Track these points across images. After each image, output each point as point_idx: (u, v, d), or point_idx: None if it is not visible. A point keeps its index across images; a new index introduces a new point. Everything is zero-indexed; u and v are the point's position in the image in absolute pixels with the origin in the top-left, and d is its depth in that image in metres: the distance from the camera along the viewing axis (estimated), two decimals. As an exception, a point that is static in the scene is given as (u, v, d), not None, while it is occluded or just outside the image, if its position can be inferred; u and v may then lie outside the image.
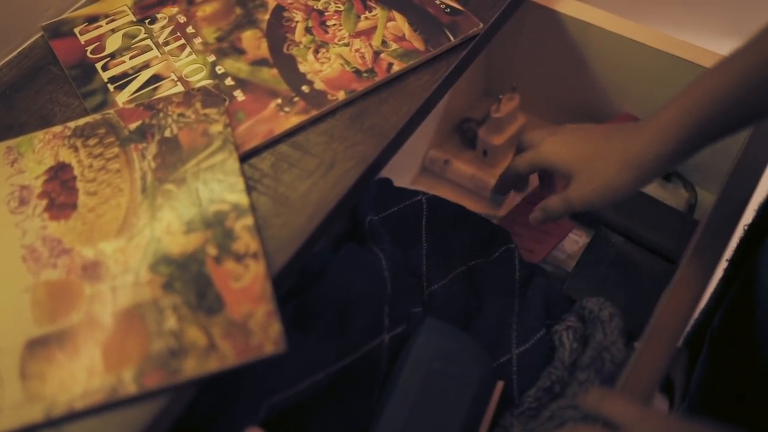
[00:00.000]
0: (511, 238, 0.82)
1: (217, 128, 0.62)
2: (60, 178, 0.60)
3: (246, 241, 0.55)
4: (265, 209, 0.59)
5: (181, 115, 0.63)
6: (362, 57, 0.69)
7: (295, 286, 0.71)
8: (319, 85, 0.66)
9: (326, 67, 0.68)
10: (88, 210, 0.58)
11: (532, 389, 0.67)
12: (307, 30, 0.71)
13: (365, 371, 0.66)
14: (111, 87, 0.67)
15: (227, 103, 0.65)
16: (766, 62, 0.53)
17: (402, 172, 0.95)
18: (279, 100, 0.65)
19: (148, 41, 0.71)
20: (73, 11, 0.75)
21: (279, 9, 0.73)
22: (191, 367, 0.50)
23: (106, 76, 0.68)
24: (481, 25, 0.71)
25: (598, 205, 0.62)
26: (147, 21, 0.72)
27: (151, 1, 0.74)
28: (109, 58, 0.69)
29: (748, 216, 0.75)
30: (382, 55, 0.69)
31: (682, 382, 0.88)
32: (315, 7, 0.73)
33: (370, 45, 0.70)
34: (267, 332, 0.51)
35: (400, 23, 0.71)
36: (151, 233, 0.56)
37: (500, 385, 0.67)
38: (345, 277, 0.70)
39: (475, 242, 0.81)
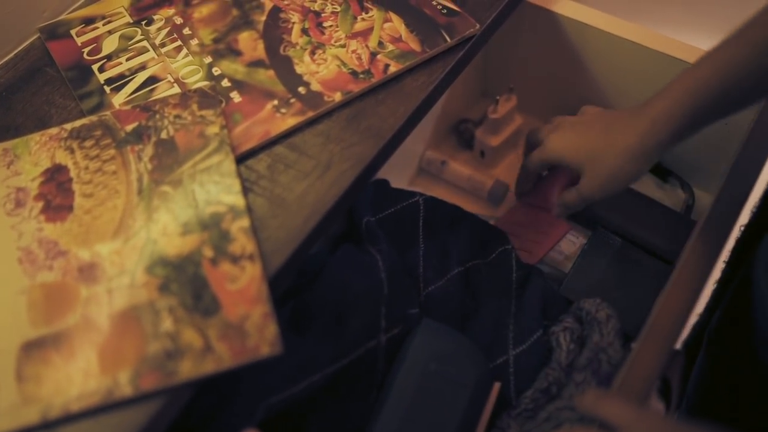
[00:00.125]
0: (508, 239, 0.82)
1: (213, 130, 0.62)
2: (56, 180, 0.60)
3: (242, 242, 0.55)
4: (261, 211, 0.59)
5: (177, 116, 0.63)
6: (359, 58, 0.69)
7: (292, 287, 0.71)
8: (315, 86, 0.66)
9: (323, 68, 0.68)
10: (84, 212, 0.58)
11: (529, 390, 0.67)
12: (304, 31, 0.71)
13: (362, 372, 0.66)
14: (107, 89, 0.67)
15: (224, 104, 0.65)
16: (754, 53, 0.56)
17: (399, 173, 0.95)
18: (275, 102, 0.65)
19: (145, 43, 0.71)
20: (69, 13, 0.75)
21: (275, 10, 0.73)
22: (187, 369, 0.50)
23: (102, 77, 0.68)
24: (478, 26, 0.71)
25: (610, 194, 0.67)
26: (144, 22, 0.72)
27: (147, 2, 0.74)
28: (105, 60, 0.69)
29: (745, 217, 0.75)
30: (379, 57, 0.69)
31: (678, 384, 0.88)
32: (311, 8, 0.73)
33: (367, 46, 0.70)
34: (263, 334, 0.51)
35: (396, 24, 0.71)
36: (147, 235, 0.56)
37: (497, 386, 0.67)
38: (342, 279, 0.70)
39: (472, 243, 0.81)
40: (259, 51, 0.70)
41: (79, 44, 0.71)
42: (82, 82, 0.68)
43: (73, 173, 0.60)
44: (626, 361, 0.62)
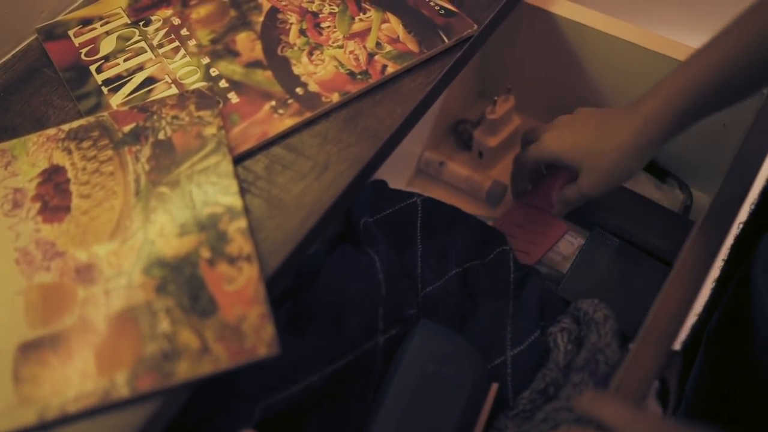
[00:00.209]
0: (506, 240, 0.82)
1: (210, 130, 0.62)
2: (53, 180, 0.60)
3: (239, 243, 0.55)
4: (258, 211, 0.59)
5: (175, 117, 0.63)
6: (356, 59, 0.69)
7: (289, 288, 0.71)
8: (313, 87, 0.66)
9: (320, 69, 0.68)
10: (81, 213, 0.58)
11: (527, 391, 0.67)
12: (302, 32, 0.71)
13: (360, 373, 0.66)
14: (105, 89, 0.67)
15: (221, 105, 0.65)
16: (743, 50, 0.57)
17: (397, 174, 0.95)
18: (273, 102, 0.65)
19: (143, 43, 0.71)
20: (67, 13, 0.75)
21: (273, 11, 0.73)
22: (184, 370, 0.50)
23: (100, 78, 0.68)
24: (476, 26, 0.71)
25: (608, 190, 0.69)
26: (141, 23, 0.72)
27: (145, 3, 0.74)
28: (103, 61, 0.69)
29: (743, 216, 0.75)
30: (377, 57, 0.69)
31: (676, 386, 0.88)
32: (309, 9, 0.73)
33: (365, 47, 0.70)
34: (260, 335, 0.51)
35: (394, 25, 0.71)
36: (144, 236, 0.56)
37: (495, 387, 0.67)
38: (339, 279, 0.70)
39: (470, 244, 0.81)
40: (257, 52, 0.70)
41: (77, 45, 0.71)
42: (79, 82, 0.68)
43: (70, 174, 0.60)
44: (623, 362, 0.62)
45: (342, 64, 0.68)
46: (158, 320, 0.52)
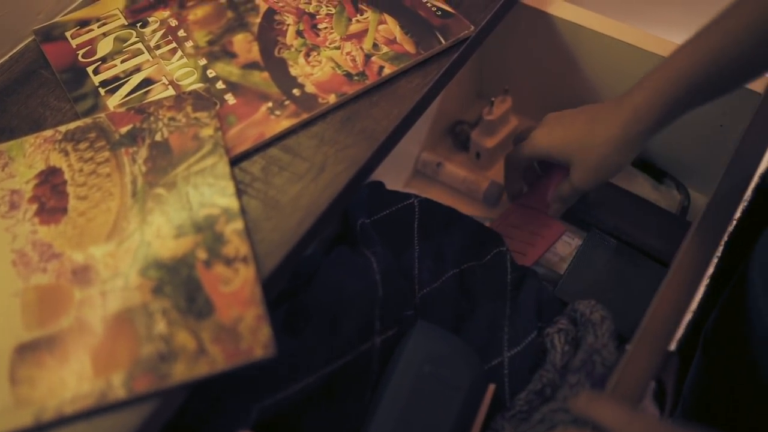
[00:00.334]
0: (503, 241, 0.82)
1: (207, 132, 0.62)
2: (50, 182, 0.60)
3: (236, 244, 0.55)
4: (255, 213, 0.59)
5: (171, 118, 0.63)
6: (353, 60, 0.69)
7: (286, 289, 0.71)
8: (310, 88, 0.66)
9: (317, 70, 0.68)
10: (78, 214, 0.58)
11: (524, 392, 0.67)
12: (299, 33, 0.71)
13: (356, 374, 0.66)
14: (102, 91, 0.67)
15: (218, 106, 0.65)
16: (731, 41, 0.58)
17: (395, 175, 0.95)
18: (270, 104, 0.65)
19: (140, 45, 0.71)
20: (64, 15, 0.75)
21: (270, 12, 0.73)
22: (181, 372, 0.50)
23: (97, 79, 0.68)
24: (472, 27, 0.71)
25: (600, 183, 0.70)
26: (138, 25, 0.73)
27: (142, 4, 0.75)
28: (100, 62, 0.69)
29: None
30: (373, 58, 0.69)
31: (673, 387, 0.88)
32: (306, 10, 0.73)
33: (361, 48, 0.70)
34: (256, 336, 0.51)
35: (391, 26, 0.71)
36: (141, 237, 0.56)
37: (491, 388, 0.67)
38: (336, 281, 0.70)
39: (467, 245, 0.81)
40: (254, 53, 0.70)
41: (74, 46, 0.71)
42: (76, 84, 0.68)
43: (67, 175, 0.60)
44: (620, 363, 0.62)
45: (339, 66, 0.68)
46: (155, 322, 0.52)
